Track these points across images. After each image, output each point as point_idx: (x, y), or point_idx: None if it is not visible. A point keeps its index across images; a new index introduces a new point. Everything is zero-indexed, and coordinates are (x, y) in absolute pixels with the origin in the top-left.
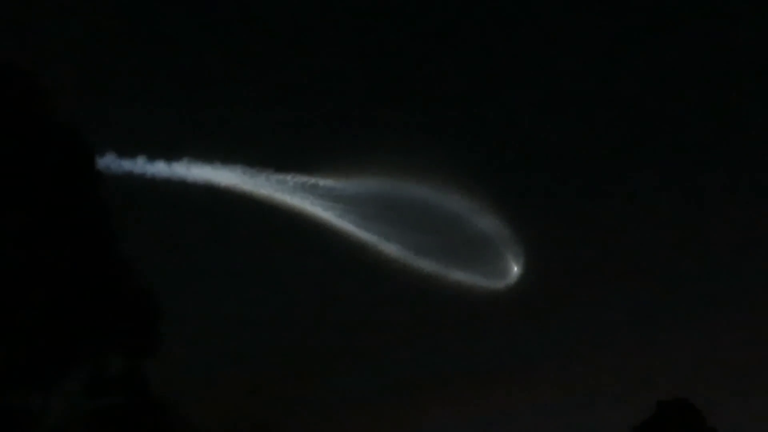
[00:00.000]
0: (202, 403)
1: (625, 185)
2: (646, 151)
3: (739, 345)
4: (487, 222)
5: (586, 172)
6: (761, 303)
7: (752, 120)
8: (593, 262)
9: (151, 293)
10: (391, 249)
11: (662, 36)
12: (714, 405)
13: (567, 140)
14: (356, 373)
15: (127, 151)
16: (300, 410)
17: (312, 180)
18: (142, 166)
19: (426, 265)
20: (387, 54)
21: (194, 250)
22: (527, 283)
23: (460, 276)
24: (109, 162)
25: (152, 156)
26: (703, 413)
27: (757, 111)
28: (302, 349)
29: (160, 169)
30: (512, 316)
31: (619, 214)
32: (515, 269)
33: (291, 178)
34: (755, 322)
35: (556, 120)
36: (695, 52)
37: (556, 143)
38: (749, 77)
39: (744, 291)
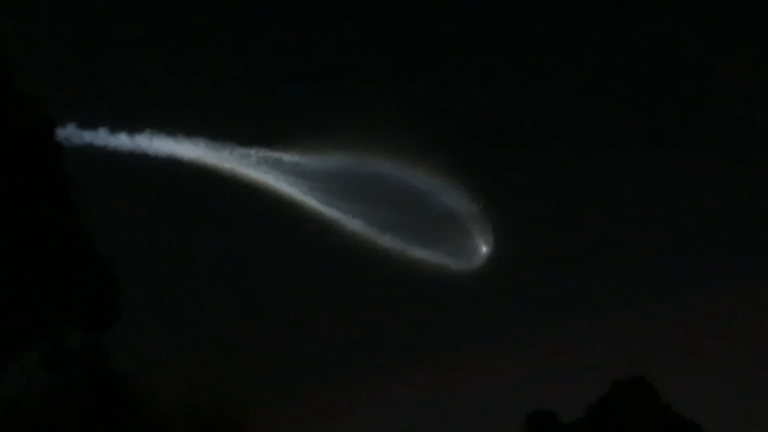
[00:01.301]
0: (163, 379)
1: (600, 161)
2: (622, 126)
3: (697, 324)
4: (454, 199)
5: (558, 146)
6: (720, 283)
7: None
8: (559, 243)
9: (111, 267)
10: (356, 226)
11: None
12: (670, 384)
13: (539, 112)
14: (320, 352)
15: (89, 122)
16: (263, 387)
17: (276, 155)
18: (103, 138)
19: (391, 242)
20: (354, 27)
21: (156, 224)
22: (495, 263)
23: (425, 254)
24: (70, 133)
25: (114, 128)
26: (658, 391)
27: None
28: (265, 327)
29: (122, 141)
30: (477, 297)
31: (589, 191)
32: (483, 249)
33: (255, 153)
34: (715, 302)
35: (526, 91)
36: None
37: (528, 115)
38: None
39: (705, 270)
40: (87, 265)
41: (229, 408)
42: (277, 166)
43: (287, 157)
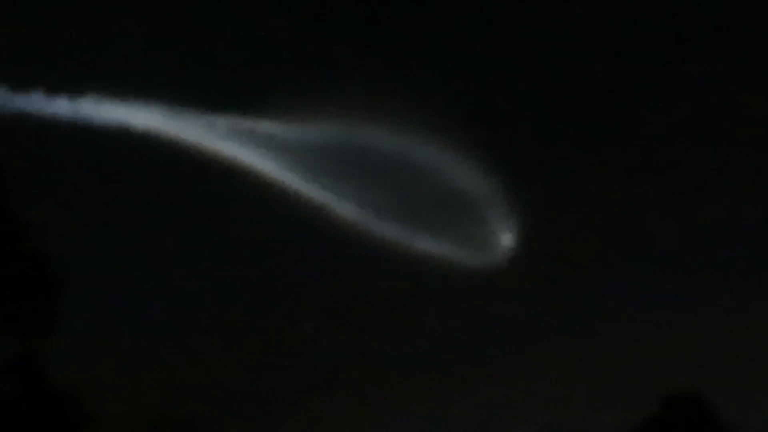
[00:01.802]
0: (112, 393)
1: (643, 136)
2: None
3: (755, 333)
4: (468, 178)
5: (598, 115)
6: None
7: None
8: (597, 234)
9: (50, 260)
10: (346, 209)
11: None
12: (727, 399)
13: (570, 75)
14: (299, 363)
15: (21, 84)
16: (235, 400)
17: (250, 124)
18: (38, 103)
19: (389, 230)
20: None
21: (104, 208)
22: (517, 256)
23: (431, 245)
24: (0, 96)
25: (52, 91)
26: (715, 409)
27: None
28: (235, 331)
29: (61, 107)
30: (494, 297)
31: (633, 173)
32: (504, 239)
33: (223, 121)
34: None
35: (558, 52)
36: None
37: (556, 79)
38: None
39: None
40: (20, 258)
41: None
42: (250, 137)
43: (263, 126)
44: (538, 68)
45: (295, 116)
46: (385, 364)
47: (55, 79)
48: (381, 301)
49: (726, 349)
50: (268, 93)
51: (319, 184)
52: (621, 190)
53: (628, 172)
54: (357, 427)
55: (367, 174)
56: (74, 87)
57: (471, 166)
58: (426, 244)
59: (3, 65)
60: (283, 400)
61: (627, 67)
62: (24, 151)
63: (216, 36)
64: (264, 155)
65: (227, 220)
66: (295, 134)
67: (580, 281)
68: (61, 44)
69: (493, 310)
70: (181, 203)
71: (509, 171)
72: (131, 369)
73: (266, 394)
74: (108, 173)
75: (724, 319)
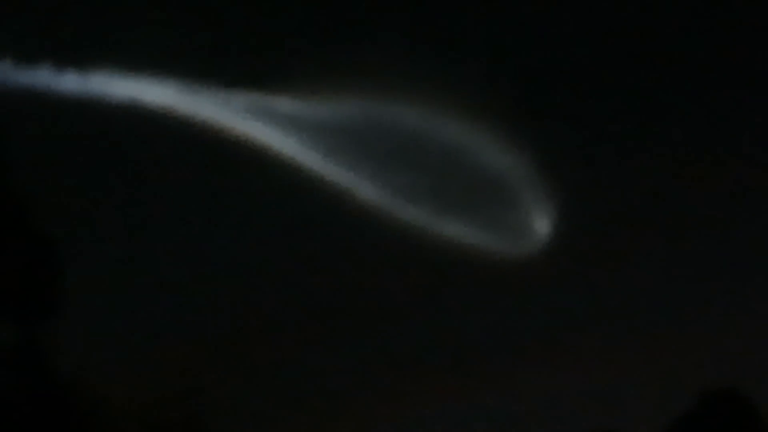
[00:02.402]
0: (121, 383)
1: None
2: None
3: None
4: (502, 159)
5: (644, 95)
6: None
7: None
8: (637, 225)
9: (52, 241)
10: (369, 192)
11: None
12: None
13: (616, 53)
14: (321, 359)
15: (29, 57)
16: (247, 398)
17: (268, 100)
18: (47, 77)
19: (415, 214)
20: None
21: (113, 189)
22: (554, 246)
23: (460, 231)
24: (5, 71)
25: (61, 64)
26: (754, 405)
27: None
28: (252, 322)
29: (71, 82)
30: (528, 288)
31: (680, 161)
32: (540, 227)
33: (241, 98)
34: None
35: (602, 28)
36: None
37: (601, 55)
38: None
39: None
40: (20, 238)
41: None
42: (268, 114)
43: (281, 103)
44: (580, 44)
45: (315, 93)
46: (411, 356)
47: (64, 52)
48: (405, 289)
49: (765, 345)
50: (287, 68)
51: (340, 164)
52: (665, 178)
53: (674, 160)
54: (390, 417)
55: (391, 154)
56: (84, 61)
57: (504, 146)
58: (454, 230)
59: (8, 37)
60: (298, 398)
61: (677, 50)
62: (30, 129)
63: (233, 8)
64: (283, 134)
65: (244, 202)
66: (316, 112)
67: (616, 273)
68: (69, 16)
69: (524, 301)
70: (194, 184)
71: (546, 152)
72: (133, 359)
73: (283, 391)
74: (118, 152)
75: (764, 315)
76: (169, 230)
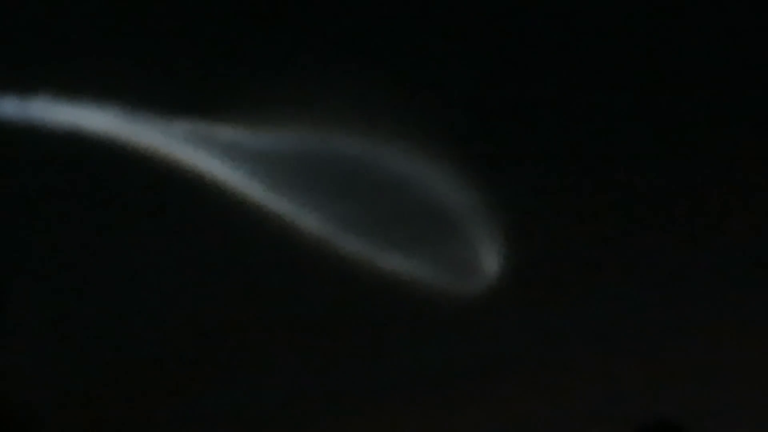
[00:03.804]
0: (68, 409)
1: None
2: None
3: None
4: (451, 192)
5: (593, 125)
6: None
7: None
8: (584, 258)
9: None
10: (310, 222)
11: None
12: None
13: (567, 78)
14: (257, 390)
15: None
16: (193, 423)
17: (210, 128)
18: None
19: (359, 246)
20: None
21: (51, 214)
22: (502, 283)
23: (403, 264)
24: None
25: (1, 89)
26: None
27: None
28: (190, 352)
29: (9, 108)
30: (472, 325)
31: (632, 192)
32: (488, 264)
33: (183, 126)
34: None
35: (553, 53)
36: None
37: (551, 82)
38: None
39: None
40: None
41: None
42: (210, 143)
43: (224, 131)
44: (529, 70)
45: (259, 122)
46: (346, 390)
47: (3, 76)
48: (344, 322)
49: (711, 377)
50: (230, 97)
51: (283, 195)
52: (616, 217)
53: (627, 198)
54: None
55: (335, 185)
56: (24, 86)
57: (453, 180)
58: (398, 264)
59: None
60: (236, 423)
61: (626, 77)
62: None
63: (176, 35)
64: (225, 163)
65: (182, 229)
66: (259, 141)
67: (562, 311)
68: (9, 40)
69: (464, 338)
70: (135, 211)
71: (496, 187)
72: (86, 381)
73: (219, 418)
74: (59, 178)
75: (711, 347)
76: (107, 256)
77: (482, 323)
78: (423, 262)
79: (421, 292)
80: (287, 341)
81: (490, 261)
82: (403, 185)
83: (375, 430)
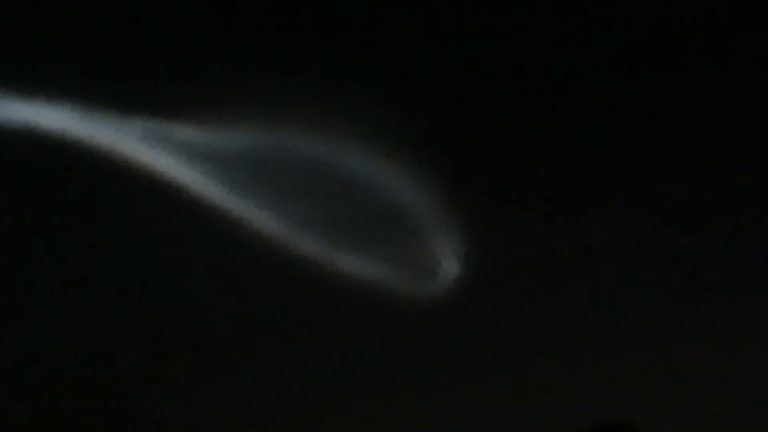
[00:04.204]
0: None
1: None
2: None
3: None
4: (410, 192)
5: (555, 124)
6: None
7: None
8: (544, 261)
9: None
10: (267, 222)
11: None
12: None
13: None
14: (210, 393)
15: None
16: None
17: (165, 127)
18: None
19: (315, 246)
20: None
21: (3, 214)
22: (460, 285)
23: (360, 265)
24: None
25: None
26: None
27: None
28: (140, 352)
29: None
30: (428, 328)
31: (596, 193)
32: (446, 264)
33: (140, 125)
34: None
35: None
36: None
37: (517, 81)
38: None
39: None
40: None
41: None
42: (166, 142)
43: (181, 131)
44: (488, 68)
45: (215, 121)
46: (303, 392)
47: None
48: (300, 323)
49: (665, 378)
50: (186, 95)
51: (238, 194)
52: (581, 212)
53: (591, 191)
54: None
55: (291, 185)
56: None
57: (412, 181)
58: (355, 264)
59: None
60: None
61: (589, 75)
62: None
63: (133, 34)
64: (180, 162)
65: (137, 229)
66: (215, 140)
67: (522, 315)
68: None
69: (423, 340)
70: (90, 210)
71: (457, 189)
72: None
73: (170, 425)
74: (12, 178)
75: (666, 349)
76: (61, 256)
77: (441, 325)
78: (381, 263)
79: (379, 294)
80: (243, 342)
81: (449, 262)
82: (362, 185)
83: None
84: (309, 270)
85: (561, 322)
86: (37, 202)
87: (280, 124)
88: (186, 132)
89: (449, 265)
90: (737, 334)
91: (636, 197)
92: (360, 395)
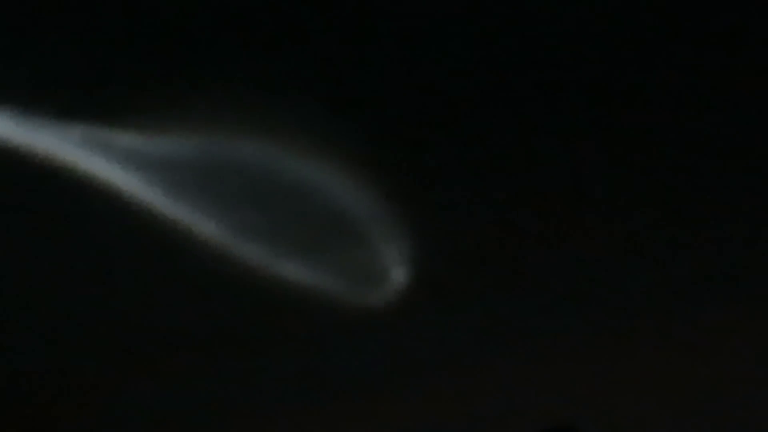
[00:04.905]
0: None
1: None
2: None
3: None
4: (355, 198)
5: (503, 124)
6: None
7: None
8: (494, 264)
9: None
10: (209, 229)
11: None
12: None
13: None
14: (157, 399)
15: None
16: None
17: (106, 133)
18: None
19: (257, 253)
20: None
21: None
22: (407, 293)
23: (303, 272)
24: None
25: None
26: None
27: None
28: (75, 362)
29: None
30: (372, 335)
31: (544, 197)
32: (396, 270)
33: (80, 130)
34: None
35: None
36: None
37: (468, 80)
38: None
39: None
40: None
41: None
42: (107, 148)
43: (121, 137)
44: (436, 69)
45: (155, 127)
46: (243, 402)
47: None
48: (243, 332)
49: (608, 382)
50: (128, 101)
51: (180, 201)
52: (530, 213)
53: (540, 192)
54: None
55: (232, 191)
56: None
57: (357, 186)
58: (299, 271)
59: None
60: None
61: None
62: None
63: (73, 37)
64: (121, 168)
65: (76, 236)
66: (155, 147)
67: (469, 320)
68: None
69: (368, 348)
70: (28, 218)
71: (402, 192)
72: None
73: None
74: None
75: (621, 352)
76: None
77: (387, 332)
78: (326, 269)
79: (325, 300)
80: (184, 351)
81: (395, 268)
82: (305, 191)
83: None
84: (253, 277)
85: (511, 325)
86: None
87: (222, 130)
88: (127, 138)
89: (395, 271)
90: (711, 337)
91: (592, 201)
92: (306, 405)
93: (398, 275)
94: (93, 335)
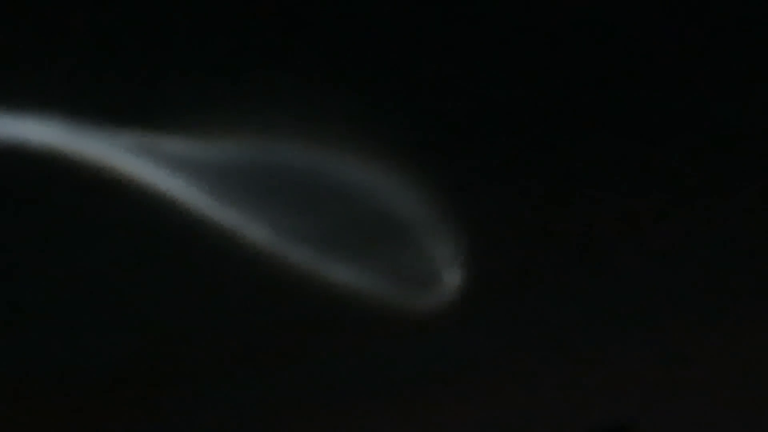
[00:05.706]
0: None
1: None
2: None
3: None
4: (407, 201)
5: (557, 127)
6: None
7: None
8: (548, 270)
9: None
10: (258, 233)
11: None
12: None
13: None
14: (203, 403)
15: None
16: None
17: (157, 141)
18: None
19: (304, 256)
20: None
21: None
22: (466, 293)
23: (357, 275)
24: None
25: None
26: None
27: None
28: (130, 367)
29: None
30: (428, 339)
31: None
32: (449, 274)
33: (129, 137)
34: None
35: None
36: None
37: (513, 85)
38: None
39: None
40: None
41: None
42: (156, 155)
43: (170, 143)
44: (487, 75)
45: (205, 133)
46: (297, 404)
47: None
48: (296, 337)
49: (662, 380)
50: (175, 107)
51: (229, 205)
52: (583, 220)
53: (593, 199)
54: None
55: (283, 195)
56: None
57: (409, 187)
58: (351, 276)
59: None
60: None
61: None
62: None
63: (120, 45)
64: (171, 175)
65: (131, 245)
66: (205, 152)
67: (524, 325)
68: None
69: (420, 351)
70: (77, 225)
71: (455, 193)
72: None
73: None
74: (1, 194)
75: (662, 350)
76: (53, 274)
77: (439, 335)
78: (377, 273)
79: (376, 304)
80: (237, 356)
81: (448, 273)
82: (357, 195)
83: None
84: (303, 282)
85: (566, 324)
86: (28, 219)
87: (271, 134)
88: (176, 144)
89: (447, 273)
90: (746, 333)
91: (640, 207)
92: (357, 409)
93: (450, 277)
94: (140, 344)
